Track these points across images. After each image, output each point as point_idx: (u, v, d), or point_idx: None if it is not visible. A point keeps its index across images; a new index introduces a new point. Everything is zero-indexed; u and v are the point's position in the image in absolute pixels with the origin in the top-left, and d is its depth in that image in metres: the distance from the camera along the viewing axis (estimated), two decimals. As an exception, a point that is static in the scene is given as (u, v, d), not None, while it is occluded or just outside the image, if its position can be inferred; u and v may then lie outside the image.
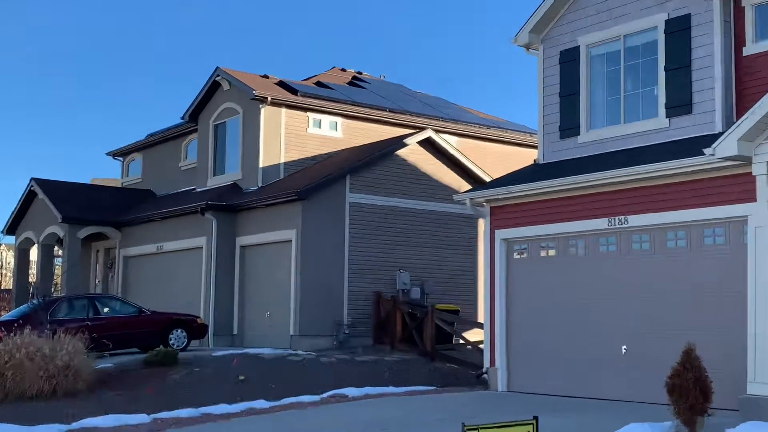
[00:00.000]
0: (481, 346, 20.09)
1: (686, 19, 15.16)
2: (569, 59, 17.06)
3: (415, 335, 22.06)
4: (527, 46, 17.86)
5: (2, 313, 25.05)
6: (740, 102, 14.54)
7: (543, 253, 16.39)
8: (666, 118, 15.32)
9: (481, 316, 21.33)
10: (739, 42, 14.74)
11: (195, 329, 22.53)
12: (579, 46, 16.89)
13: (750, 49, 14.62)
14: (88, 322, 20.20)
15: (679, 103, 15.12)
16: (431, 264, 25.02)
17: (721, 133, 13.23)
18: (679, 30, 15.24)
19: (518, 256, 16.80)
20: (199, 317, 23.55)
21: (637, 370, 14.24)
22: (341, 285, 23.36)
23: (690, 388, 10.49)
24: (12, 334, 16.80)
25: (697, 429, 10.58)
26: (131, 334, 21.50)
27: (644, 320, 14.33)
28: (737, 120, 12.70)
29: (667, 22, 15.44)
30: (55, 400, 15.52)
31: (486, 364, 17.07)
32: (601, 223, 15.09)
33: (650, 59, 15.75)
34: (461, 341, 22.50)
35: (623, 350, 14.52)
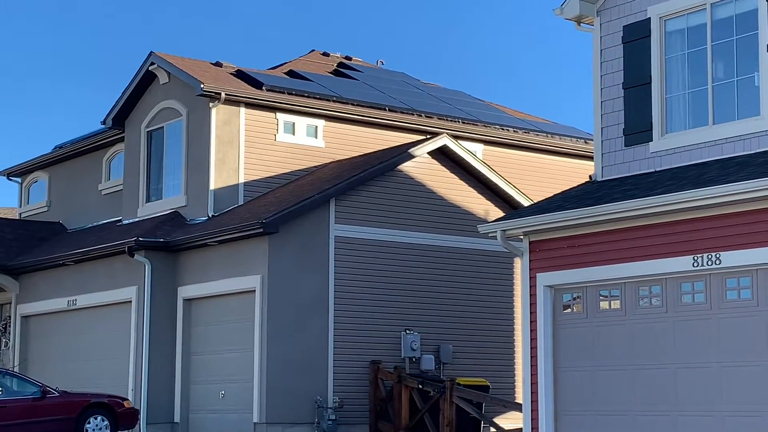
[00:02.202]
0: (519, 435, 20.04)
1: (797, -21, 15.29)
2: (637, 37, 17.16)
3: (428, 422, 21.96)
4: (578, 20, 17.96)
5: None
6: None
7: (604, 305, 16.35)
8: (772, 116, 15.41)
9: (520, 395, 21.27)
10: None
11: (121, 416, 22.43)
12: (649, 18, 16.99)
13: None
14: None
15: (790, 95, 15.21)
16: (449, 321, 24.91)
17: None
18: (787, -6, 15.35)
19: (569, 310, 16.77)
20: (127, 399, 23.45)
21: (736, 468, 14.21)
22: (325, 351, 23.25)
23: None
24: None
25: None
26: (31, 424, 21.39)
27: (746, 396, 14.25)
28: None
29: (771, -17, 15.56)
30: None
31: (527, 461, 17.02)
32: (683, 263, 15.04)
33: (749, 36, 15.80)
34: (492, 429, 22.40)
35: (716, 439, 14.50)
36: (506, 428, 22.07)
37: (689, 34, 16.65)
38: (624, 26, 17.38)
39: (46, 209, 33.70)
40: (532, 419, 16.88)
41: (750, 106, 15.74)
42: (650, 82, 16.91)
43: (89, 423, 21.84)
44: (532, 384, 16.93)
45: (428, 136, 26.16)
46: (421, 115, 28.29)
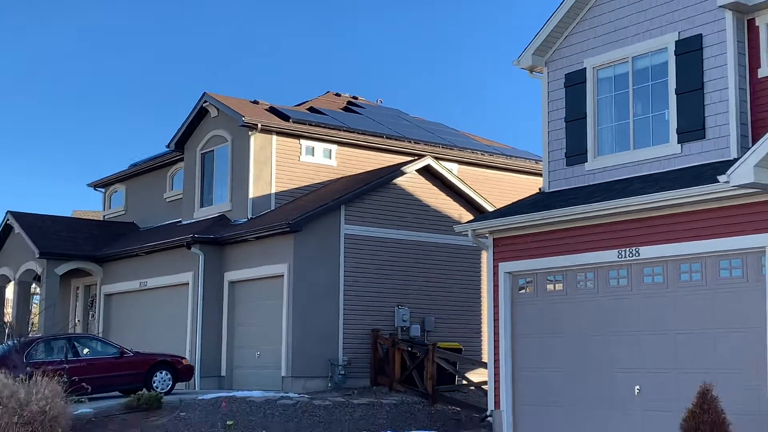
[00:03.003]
0: (485, 387, 19.98)
1: (697, 39, 15.25)
2: (575, 82, 17.14)
3: (415, 376, 21.93)
4: (531, 69, 17.93)
5: (-25, 355, 24.88)
6: (755, 127, 14.59)
7: (550, 287, 16.34)
8: (678, 143, 15.36)
9: (486, 355, 21.23)
10: (754, 64, 14.81)
11: (180, 371, 22.39)
12: (585, 68, 16.97)
13: (765, 70, 14.69)
14: (67, 365, 20.02)
15: (692, 127, 15.16)
16: (432, 299, 24.91)
17: (736, 159, 13.27)
18: (690, 51, 15.31)
19: (523, 291, 16.76)
20: (185, 358, 23.42)
21: (651, 412, 14.18)
22: (336, 322, 23.26)
23: (707, 431, 10.43)
24: (-15, 378, 16.69)
25: (716, 475, 10.50)
26: (112, 377, 21.35)
27: (658, 359, 14.27)
28: (753, 145, 12.73)
29: (677, 43, 15.52)
30: (29, 449, 15.38)
31: (490, 406, 16.97)
32: (610, 255, 15.06)
33: (660, 82, 15.82)
34: (464, 382, 22.35)
35: (636, 391, 14.45)
36: (475, 381, 22.06)
37: (616, 80, 16.64)
38: (566, 74, 17.37)
39: (123, 213, 33.68)
40: (495, 374, 16.87)
41: (662, 135, 15.74)
42: (586, 117, 16.89)
43: (156, 376, 21.79)
44: (495, 347, 16.94)
45: (416, 158, 26.19)
46: (410, 141, 28.31)
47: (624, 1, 16.45)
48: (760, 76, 14.75)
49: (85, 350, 21.82)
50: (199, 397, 19.72)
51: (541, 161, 18.55)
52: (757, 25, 14.85)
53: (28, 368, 18.11)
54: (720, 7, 14.88)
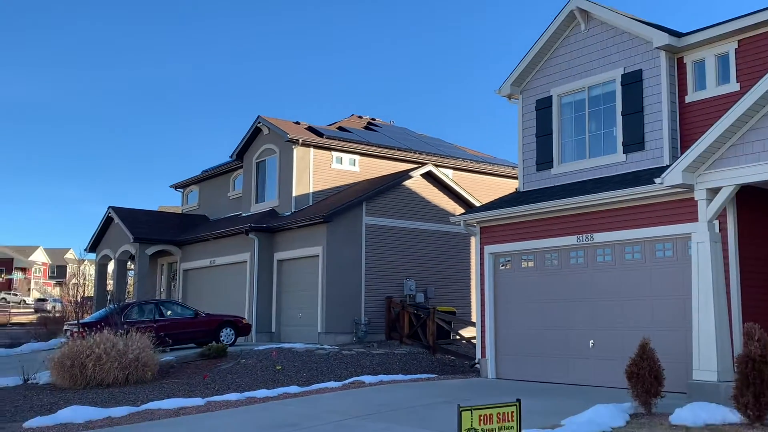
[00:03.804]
0: (473, 341, 19.96)
1: (639, 73, 15.13)
2: (544, 106, 17.04)
3: (420, 332, 21.92)
4: (509, 96, 17.83)
5: (85, 316, 25.00)
6: (684, 140, 14.46)
7: (524, 265, 16.28)
8: (623, 153, 15.24)
9: (474, 316, 21.18)
10: (682, 91, 14.69)
11: (241, 328, 22.47)
12: (552, 96, 16.86)
13: (691, 97, 14.56)
14: (154, 323, 20.17)
15: (634, 141, 15.05)
16: (432, 273, 24.90)
17: (668, 166, 13.15)
18: (633, 82, 15.19)
19: (503, 267, 16.69)
20: (245, 318, 23.47)
21: (602, 361, 14.10)
22: (359, 291, 23.27)
23: (645, 375, 10.37)
24: (93, 333, 16.80)
25: (652, 409, 10.45)
26: (189, 333, 21.46)
27: (608, 319, 14.19)
28: (681, 155, 12.63)
29: (623, 75, 15.40)
30: (127, 387, 15.47)
31: (478, 355, 16.93)
32: (571, 240, 14.98)
33: (610, 106, 15.70)
34: (458, 337, 22.32)
35: (591, 344, 14.38)
36: (466, 336, 22.02)
37: (575, 104, 16.53)
38: (536, 100, 17.26)
39: (197, 207, 33.75)
40: (481, 331, 16.82)
41: (611, 147, 15.61)
42: (552, 133, 16.79)
43: (222, 332, 21.86)
44: (481, 311, 16.88)
45: (420, 165, 26.10)
46: (416, 152, 28.23)
47: (581, 44, 16.32)
48: (687, 101, 14.61)
49: (168, 312, 21.90)
50: (255, 348, 19.78)
51: (517, 167, 18.43)
52: (684, 62, 14.71)
53: (125, 326, 18.21)
54: (656, 48, 14.76)
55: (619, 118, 15.35)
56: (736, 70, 13.89)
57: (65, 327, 21.84)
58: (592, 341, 14.35)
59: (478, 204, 24.06)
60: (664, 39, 14.51)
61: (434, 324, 21.26)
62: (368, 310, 23.28)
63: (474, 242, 18.39)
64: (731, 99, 13.35)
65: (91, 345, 16.07)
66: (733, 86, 13.85)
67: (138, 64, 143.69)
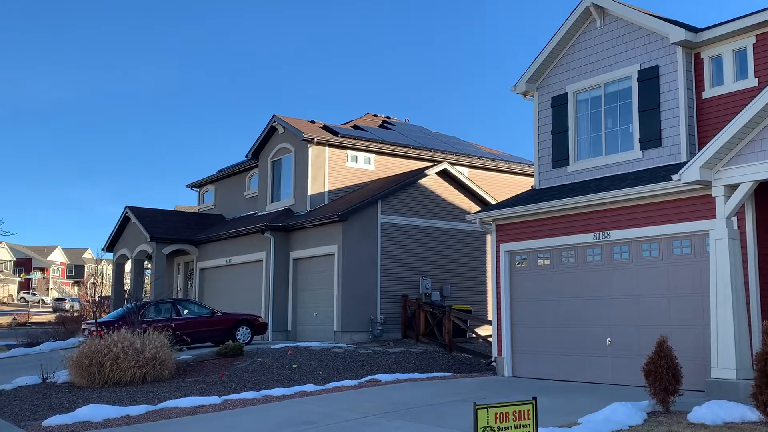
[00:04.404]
0: (490, 339, 19.91)
1: (655, 69, 15.03)
2: (559, 103, 16.97)
3: (436, 330, 21.90)
4: (524, 94, 17.77)
5: (103, 315, 25.20)
6: (701, 136, 14.36)
7: (540, 263, 16.22)
8: (640, 150, 15.16)
9: (490, 314, 21.14)
10: (699, 87, 14.59)
11: (257, 327, 22.56)
12: (567, 93, 16.79)
13: (708, 93, 14.46)
14: (171, 322, 20.28)
15: (651, 138, 14.96)
16: (448, 271, 24.85)
17: (685, 163, 13.07)
18: (649, 78, 15.10)
19: (519, 265, 16.64)
20: (261, 317, 23.57)
21: (619, 359, 14.04)
22: (375, 289, 23.27)
23: (663, 373, 10.32)
24: (110, 332, 16.93)
25: (670, 407, 10.39)
26: (206, 331, 21.58)
27: (625, 317, 14.13)
28: (699, 151, 12.53)
29: (639, 72, 15.30)
30: (144, 386, 15.57)
31: (494, 354, 16.90)
32: (587, 237, 14.92)
33: (626, 102, 15.61)
34: (474, 335, 22.28)
35: (608, 342, 14.32)
36: (482, 334, 21.97)
37: (591, 101, 16.46)
38: (552, 97, 17.20)
39: (213, 207, 33.92)
40: (497, 329, 16.80)
41: (627, 144, 15.54)
42: (568, 130, 16.73)
43: (239, 331, 21.97)
44: (497, 309, 16.86)
45: (435, 163, 26.04)
46: (431, 151, 28.18)
47: (597, 41, 16.24)
48: (704, 97, 14.51)
49: (185, 311, 22.04)
50: (272, 347, 19.84)
51: (533, 165, 18.37)
52: (701, 57, 14.60)
53: (142, 325, 18.34)
54: (672, 44, 14.66)
55: (636, 115, 15.26)
56: (754, 66, 13.77)
57: (83, 326, 22.03)
58: (609, 339, 14.29)
59: (493, 202, 24.00)
60: (680, 34, 14.41)
61: (450, 322, 21.23)
62: (384, 308, 23.28)
63: (490, 240, 18.34)
64: (749, 94, 13.24)
65: (108, 344, 16.19)
66: (751, 81, 13.73)
67: (154, 65, 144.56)
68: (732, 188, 11.71)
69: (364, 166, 26.89)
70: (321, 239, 23.88)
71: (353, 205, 23.31)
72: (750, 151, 11.45)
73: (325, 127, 27.74)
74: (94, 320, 20.75)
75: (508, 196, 19.98)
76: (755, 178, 11.42)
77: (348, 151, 26.62)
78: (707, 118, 14.38)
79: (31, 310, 61.14)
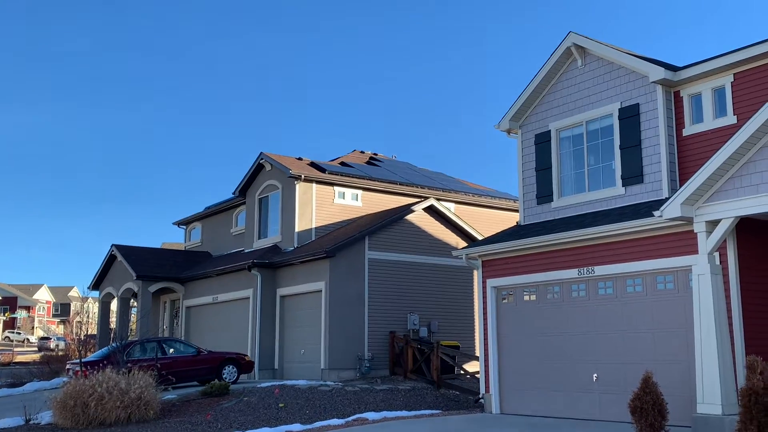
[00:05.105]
0: (478, 375, 19.83)
1: (636, 107, 15.29)
2: (542, 140, 17.18)
3: (424, 367, 21.80)
4: (508, 131, 17.98)
5: (88, 354, 24.94)
6: (682, 172, 14.56)
7: (526, 298, 16.26)
8: (622, 186, 15.34)
9: (478, 350, 21.08)
10: (680, 124, 14.83)
11: (244, 365, 22.39)
12: (550, 130, 17.01)
13: (688, 130, 14.70)
14: (157, 362, 20.12)
15: (633, 174, 15.15)
16: (436, 307, 24.81)
17: (667, 199, 13.24)
18: (630, 116, 15.35)
19: (506, 301, 16.67)
20: (247, 355, 23.41)
21: (606, 395, 14.03)
22: (362, 326, 23.20)
23: (649, 409, 10.34)
24: (95, 372, 16.77)
25: (657, 443, 10.38)
26: (191, 371, 21.39)
27: (611, 353, 14.15)
28: (680, 187, 12.70)
29: (620, 110, 15.56)
30: (129, 426, 15.40)
31: (482, 390, 16.84)
32: (572, 273, 14.99)
33: (608, 139, 15.84)
34: (462, 371, 22.20)
35: (594, 378, 14.32)
36: (470, 371, 21.90)
37: (573, 138, 16.67)
38: (535, 134, 17.41)
39: (200, 244, 33.84)
40: (485, 365, 16.77)
41: (610, 180, 15.72)
42: (551, 167, 16.91)
43: (225, 369, 21.80)
44: (485, 345, 16.84)
45: (422, 199, 26.17)
46: (418, 187, 28.34)
47: (578, 80, 16.52)
48: (684, 134, 14.75)
49: (171, 350, 21.87)
50: (258, 386, 19.68)
51: (518, 200, 18.51)
52: (681, 95, 14.88)
53: (128, 364, 18.18)
54: (652, 82, 14.94)
55: (618, 152, 15.47)
56: (733, 103, 14.04)
57: (68, 366, 21.79)
58: (595, 375, 14.29)
59: (480, 237, 24.09)
60: (660, 73, 14.69)
61: (438, 359, 21.16)
62: (372, 345, 23.19)
63: (476, 275, 18.39)
64: (728, 132, 13.47)
65: (93, 384, 16.04)
66: (730, 119, 13.99)
67: (140, 102, 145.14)
68: (713, 224, 11.85)
69: (352, 203, 26.98)
70: (308, 276, 23.84)
71: (340, 241, 23.34)
72: (730, 188, 11.62)
73: (313, 164, 27.88)
74: (78, 360, 20.54)
75: (494, 232, 20.08)
76: (736, 214, 11.58)
77: (335, 188, 26.73)
78: (688, 154, 14.60)
79: (15, 349, 60.35)
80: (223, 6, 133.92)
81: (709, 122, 14.37)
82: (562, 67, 16.84)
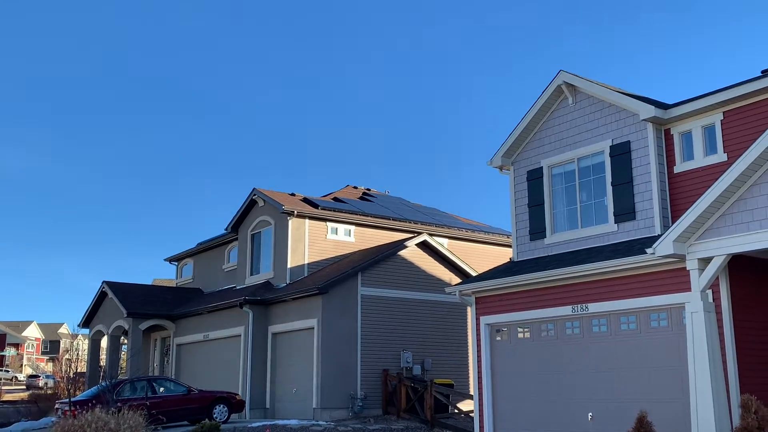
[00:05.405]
0: (472, 414, 19.68)
1: (627, 144, 15.41)
2: (535, 177, 17.26)
3: (417, 406, 21.62)
4: (500, 168, 18.07)
5: (78, 393, 24.67)
6: (674, 209, 14.63)
7: (520, 335, 16.20)
8: (615, 223, 15.39)
9: (472, 388, 20.94)
10: (671, 162, 14.94)
11: (234, 404, 22.16)
12: (542, 167, 17.10)
13: (679, 167, 14.80)
14: (147, 401, 19.90)
15: (625, 211, 15.21)
16: (429, 344, 24.68)
17: (660, 236, 13.27)
18: (621, 153, 15.46)
19: (500, 338, 16.60)
20: (238, 394, 23.17)
21: (601, 434, 13.92)
22: (355, 364, 23.03)
23: (645, 449, 10.25)
24: (84, 411, 16.54)
25: (653, 485, 10.28)
26: (182, 410, 21.15)
27: (606, 391, 14.07)
28: (672, 224, 12.75)
29: (611, 147, 15.68)
30: (117, 468, 15.12)
31: (476, 430, 16.68)
32: (566, 310, 14.97)
33: (600, 176, 15.93)
34: (456, 410, 22.02)
35: (590, 417, 14.22)
36: (464, 409, 21.72)
37: (566, 175, 16.75)
38: (527, 171, 17.50)
39: (192, 280, 33.69)
40: (479, 404, 16.63)
41: (602, 217, 15.77)
42: (544, 204, 16.97)
43: (215, 409, 21.56)
44: (479, 383, 16.73)
45: (415, 235, 26.18)
46: (411, 222, 28.34)
47: (569, 117, 16.67)
48: (676, 171, 14.85)
49: (161, 389, 21.65)
50: (249, 425, 19.47)
51: (511, 236, 18.54)
52: (672, 133, 15.01)
53: (117, 403, 17.95)
54: (643, 120, 15.08)
55: (610, 189, 15.55)
56: (723, 141, 14.16)
57: (56, 405, 21.54)
58: (590, 414, 14.19)
59: (474, 273, 24.06)
60: (650, 111, 14.84)
61: (432, 397, 20.99)
62: (364, 383, 22.99)
63: (470, 312, 18.35)
64: (719, 169, 13.57)
65: (82, 424, 15.76)
66: (721, 156, 14.10)
67: (131, 138, 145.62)
68: (706, 261, 11.88)
69: (345, 238, 26.97)
70: (300, 313, 23.71)
71: (333, 277, 23.27)
72: (722, 225, 11.67)
73: (306, 200, 27.91)
74: (67, 399, 20.29)
75: (488, 267, 20.07)
76: (728, 252, 11.61)
77: (328, 223, 26.73)
78: (680, 191, 14.68)
79: (3, 387, 59.62)
80: (218, 50, 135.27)
81: (700, 159, 14.49)
82: (553, 105, 17.00)
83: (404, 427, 20.16)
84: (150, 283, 38.59)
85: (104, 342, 32.91)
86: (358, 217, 27.33)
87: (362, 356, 23.14)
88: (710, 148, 14.41)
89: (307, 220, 26.25)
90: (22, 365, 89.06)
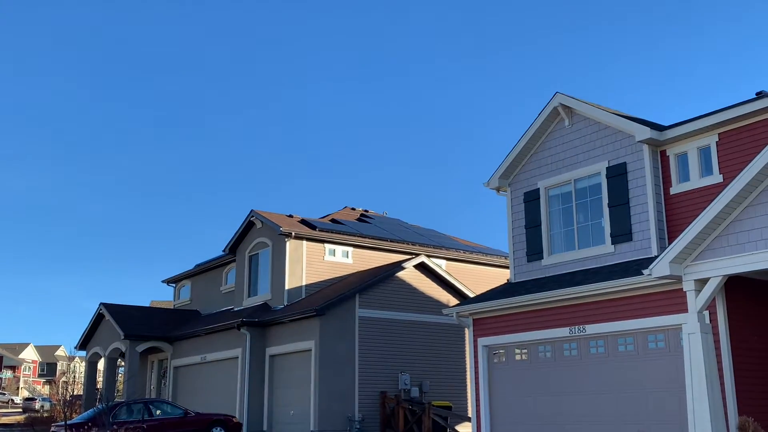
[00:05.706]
0: (470, 436, 19.56)
1: (623, 166, 15.48)
2: (531, 198, 17.32)
3: (415, 429, 21.50)
4: (497, 189, 18.13)
5: (74, 416, 24.52)
6: (670, 230, 14.68)
7: (518, 357, 16.17)
8: (612, 244, 15.42)
9: (470, 410, 20.84)
10: (667, 183, 15.00)
11: (231, 427, 22.02)
12: (539, 188, 17.16)
13: (675, 188, 14.87)
14: (143, 423, 19.81)
15: (622, 232, 15.25)
16: (427, 366, 24.57)
17: (656, 257, 13.30)
18: (617, 175, 15.53)
19: (497, 360, 16.57)
20: (235, 417, 23.03)
21: (600, 456, 13.85)
22: (353, 386, 22.91)
23: (643, 472, 10.20)
24: (79, 435, 16.47)
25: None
26: (179, 432, 21.02)
27: (604, 413, 14.02)
28: (668, 245, 12.79)
29: (607, 168, 15.75)
30: (112, 492, 15.05)
31: (474, 452, 16.61)
32: (563, 332, 14.96)
33: (596, 198, 15.99)
34: (454, 432, 21.92)
35: (588, 439, 14.16)
36: (462, 432, 21.62)
37: (562, 197, 16.81)
38: (524, 192, 17.56)
39: (189, 302, 33.61)
40: (477, 426, 16.56)
41: (599, 238, 15.82)
42: (541, 225, 17.01)
43: (212, 432, 21.45)
44: (477, 405, 16.67)
45: (413, 256, 26.16)
46: (409, 244, 28.35)
47: (566, 138, 16.76)
48: (672, 192, 14.92)
49: (158, 411, 21.53)
50: (246, 448, 19.33)
51: (509, 257, 18.57)
52: (667, 154, 15.09)
53: (114, 426, 17.87)
54: (639, 142, 15.17)
55: (606, 210, 15.60)
56: (718, 162, 14.24)
57: (53, 428, 21.41)
58: (589, 436, 14.14)
59: (471, 294, 24.03)
60: (646, 133, 14.94)
61: (430, 420, 20.89)
62: (362, 405, 22.87)
63: (468, 334, 18.32)
64: (715, 190, 13.63)
65: (77, 448, 15.72)
66: (716, 177, 14.17)
67: (129, 158, 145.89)
68: (702, 282, 11.90)
69: (342, 260, 26.96)
70: (298, 335, 23.64)
71: (330, 299, 23.23)
72: (718, 246, 11.71)
73: (303, 221, 27.94)
74: (63, 422, 20.18)
75: (486, 288, 20.05)
76: (724, 273, 11.64)
77: (326, 245, 26.73)
78: (676, 212, 14.74)
79: (0, 410, 59.24)
80: (217, 79, 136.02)
81: (696, 181, 14.56)
82: (549, 126, 17.10)
83: (402, 450, 20.04)
84: (147, 305, 38.47)
85: (101, 364, 32.77)
86: (356, 238, 27.35)
87: (360, 378, 23.04)
88: (706, 170, 14.48)
89: (304, 242, 26.25)
90: (18, 388, 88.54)
